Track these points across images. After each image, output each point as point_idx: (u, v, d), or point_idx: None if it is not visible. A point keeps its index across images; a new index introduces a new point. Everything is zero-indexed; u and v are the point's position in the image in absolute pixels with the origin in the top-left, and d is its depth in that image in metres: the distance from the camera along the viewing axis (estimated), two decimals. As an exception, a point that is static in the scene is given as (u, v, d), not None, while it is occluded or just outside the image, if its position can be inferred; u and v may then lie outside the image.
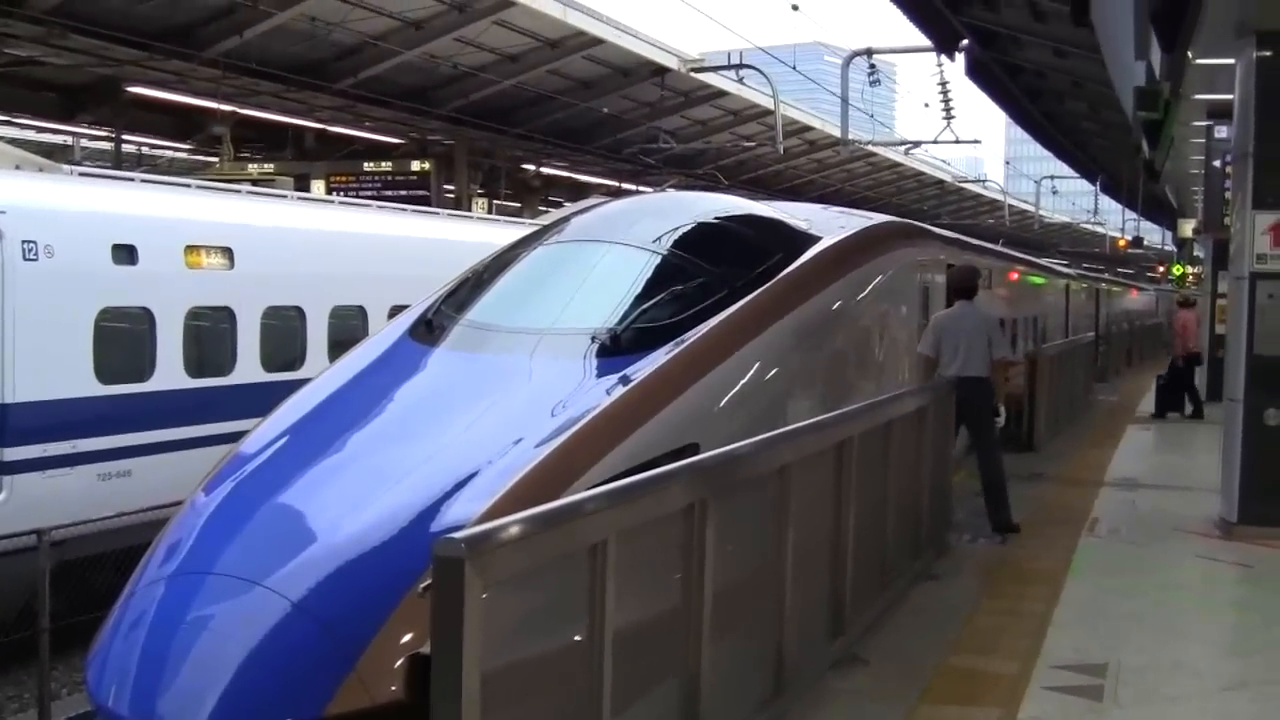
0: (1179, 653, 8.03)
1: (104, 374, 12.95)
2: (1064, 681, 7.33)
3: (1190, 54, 13.33)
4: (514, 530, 4.05)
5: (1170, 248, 70.01)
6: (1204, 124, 20.82)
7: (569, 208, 13.32)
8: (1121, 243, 63.32)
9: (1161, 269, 70.87)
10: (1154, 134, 19.96)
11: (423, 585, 5.53)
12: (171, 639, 5.95)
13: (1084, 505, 13.19)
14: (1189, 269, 59.94)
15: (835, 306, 10.19)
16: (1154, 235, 74.94)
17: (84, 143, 35.78)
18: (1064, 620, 8.70)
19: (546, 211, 34.77)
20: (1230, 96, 12.62)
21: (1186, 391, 22.37)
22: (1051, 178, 64.24)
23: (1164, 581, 10.15)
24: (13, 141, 21.87)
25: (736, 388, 8.38)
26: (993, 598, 9.42)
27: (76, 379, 12.66)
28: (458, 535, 3.76)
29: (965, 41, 20.83)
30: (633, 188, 39.73)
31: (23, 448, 12.07)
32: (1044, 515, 12.59)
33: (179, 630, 5.99)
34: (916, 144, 43.56)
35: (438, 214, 23.01)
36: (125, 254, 13.24)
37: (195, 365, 14.11)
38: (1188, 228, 42.48)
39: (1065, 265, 44.07)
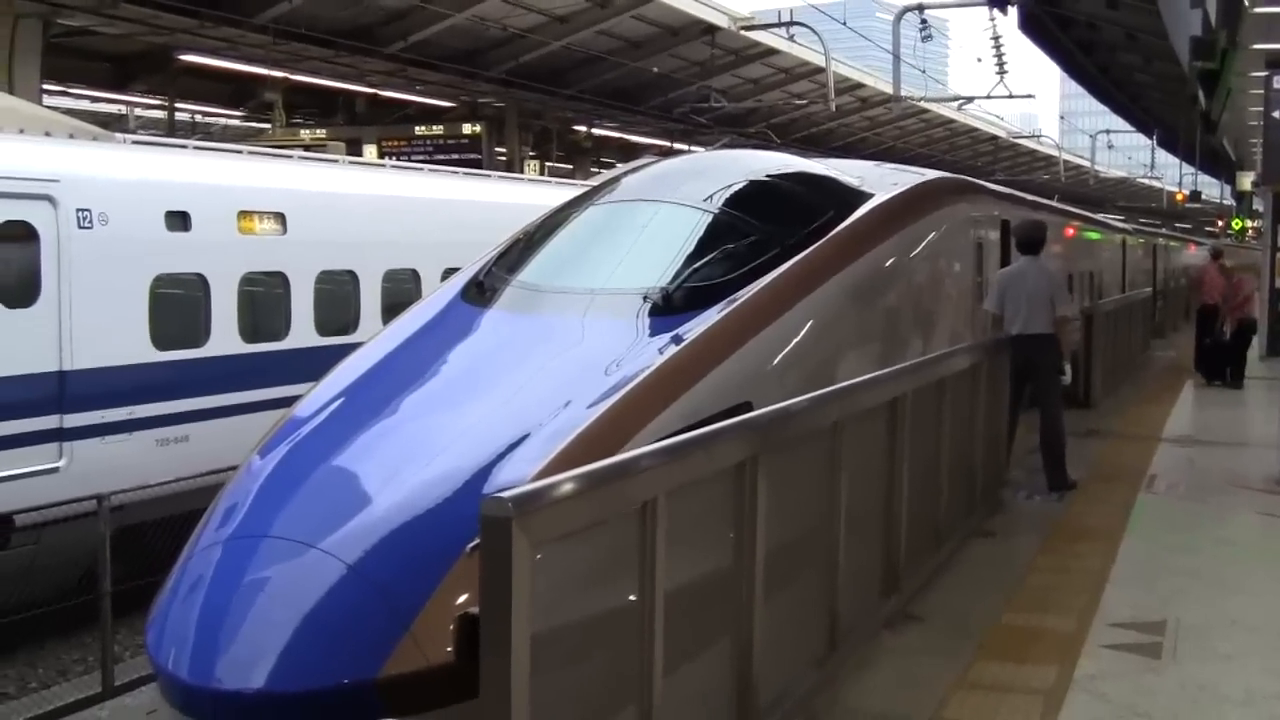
0: (1237, 610, 7.96)
1: (160, 340, 13.05)
2: (1122, 639, 7.30)
3: (1247, 2, 13.12)
4: (562, 489, 4.04)
5: (1229, 201, 69.22)
6: (1262, 74, 20.51)
7: (620, 168, 13.29)
8: (1179, 196, 62.65)
9: (1220, 223, 70.10)
10: (1211, 84, 19.74)
11: (472, 545, 5.54)
12: (228, 602, 5.99)
13: (1141, 462, 13.09)
14: (1249, 222, 59.26)
15: (888, 264, 10.12)
16: (1212, 189, 74.10)
17: (138, 111, 36.04)
18: (1121, 577, 8.64)
19: (598, 173, 34.73)
20: (1289, 45, 12.41)
21: (1235, 361, 20.68)
22: (1107, 132, 63.68)
23: (1222, 538, 10.06)
24: (67, 111, 22.06)
25: (789, 346, 8.34)
26: (1049, 555, 9.37)
27: (133, 346, 12.76)
28: (505, 494, 3.75)
29: (1018, -6, 20.62)
30: (684, 147, 39.65)
31: (82, 414, 12.19)
32: (1101, 472, 12.51)
33: (236, 593, 6.03)
34: (970, 99, 43.24)
35: (489, 176, 23.01)
36: (179, 221, 13.32)
37: (250, 330, 14.19)
38: (1247, 180, 41.95)
39: (1121, 220, 43.68)
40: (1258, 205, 44.09)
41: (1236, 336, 20.73)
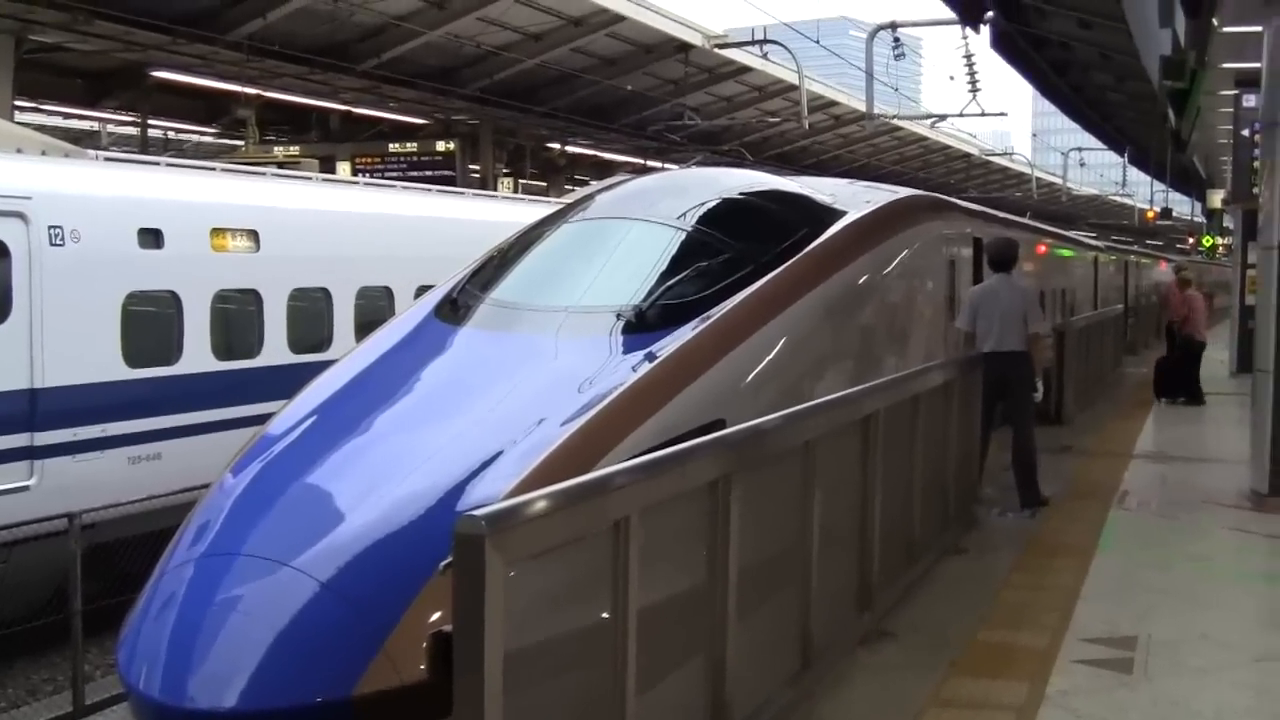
0: (1209, 625, 7.99)
1: (132, 358, 12.99)
2: (1094, 655, 7.32)
3: (1216, 21, 13.24)
4: (535, 507, 4.05)
5: (1200, 219, 69.61)
6: (1232, 93, 20.66)
7: (594, 185, 13.32)
8: (1150, 214, 62.98)
9: (1191, 240, 70.49)
10: (1180, 103, 19.86)
11: (444, 564, 5.53)
12: (201, 620, 5.97)
13: (1113, 478, 13.14)
14: (1219, 240, 59.60)
15: (861, 281, 10.16)
16: (1183, 206, 74.48)
17: (110, 128, 35.93)
18: (1093, 593, 8.67)
19: (572, 190, 34.74)
20: (1258, 64, 12.51)
21: (1189, 379, 20.49)
22: (1079, 150, 64.02)
23: (1194, 554, 10.11)
24: (39, 128, 21.99)
25: (762, 364, 8.36)
26: (1021, 571, 9.39)
27: (105, 363, 12.71)
28: (478, 513, 3.76)
29: (990, 14, 20.72)
30: (658, 165, 39.70)
31: (53, 432, 12.12)
32: (1073, 489, 12.55)
33: (208, 611, 6.01)
34: (942, 117, 43.43)
35: (463, 194, 23.00)
36: (151, 238, 13.28)
37: (223, 348, 14.14)
38: (1217, 198, 42.24)
39: (1093, 237, 43.85)
40: (1228, 223, 44.33)
41: (1184, 354, 20.77)
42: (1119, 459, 14.52)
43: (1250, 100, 19.72)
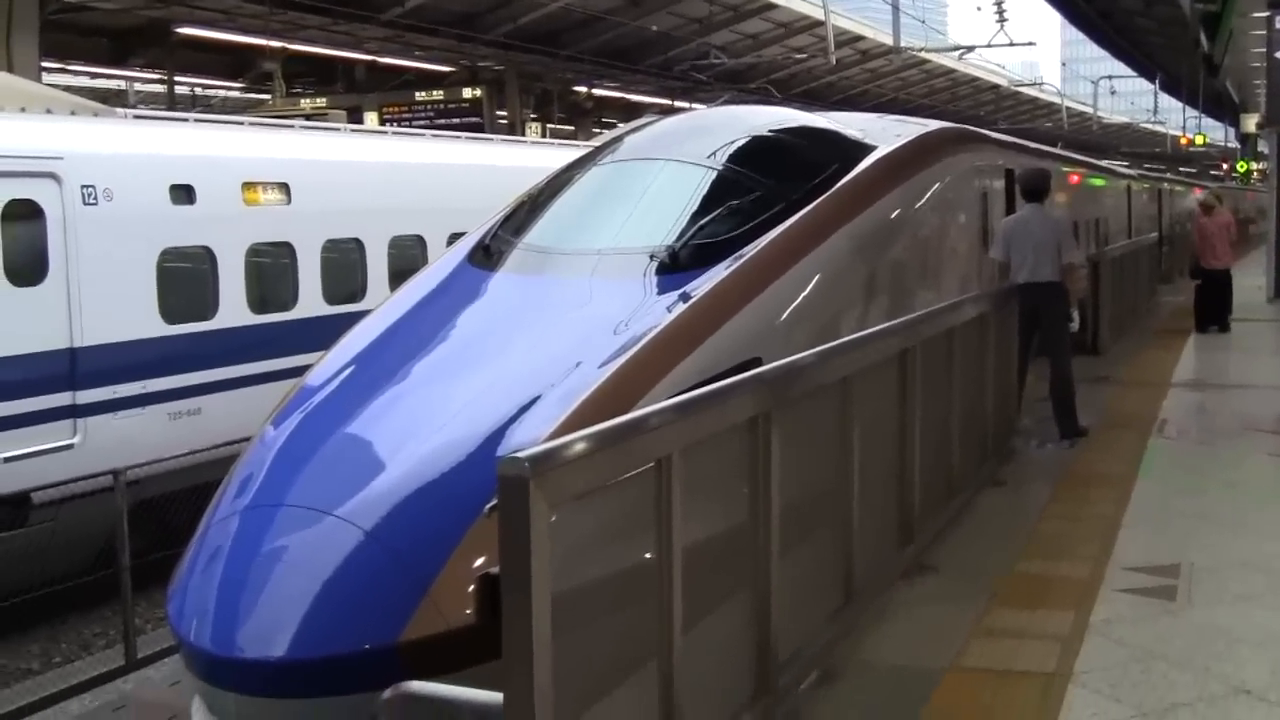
0: (1250, 552, 7.98)
1: (169, 314, 13.08)
2: (1136, 584, 7.32)
3: (1248, -57, 13.06)
4: (578, 447, 4.06)
5: (1234, 144, 68.96)
6: (1264, 14, 20.41)
7: (622, 127, 13.28)
8: (1183, 140, 62.45)
9: (1225, 166, 69.89)
10: (1212, 26, 19.64)
11: (490, 506, 5.57)
12: (247, 571, 6.03)
13: (1151, 407, 13.09)
14: (1254, 165, 59.07)
15: (894, 215, 10.11)
16: (1216, 132, 73.81)
17: (137, 86, 35.98)
18: (1134, 522, 8.67)
19: (600, 133, 34.64)
20: (1291, -15, 12.35)
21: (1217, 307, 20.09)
22: (1109, 78, 63.44)
23: (1233, 480, 10.08)
24: (67, 88, 22.02)
25: (797, 301, 8.34)
26: (1061, 502, 9.39)
27: (142, 320, 12.79)
28: (521, 454, 3.77)
29: (1017, -59, 20.47)
30: (685, 105, 39.51)
31: (94, 390, 12.22)
32: (1111, 418, 12.52)
33: (254, 562, 6.07)
34: (970, 49, 43.03)
35: (492, 140, 22.97)
36: (183, 194, 13.33)
37: (258, 302, 14.21)
38: (1251, 122, 41.83)
39: (1126, 166, 43.50)
40: (1263, 147, 43.92)
41: (1205, 283, 20.38)
42: (1156, 388, 14.46)
43: (1283, 21, 19.50)
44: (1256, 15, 20.67)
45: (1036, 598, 7.20)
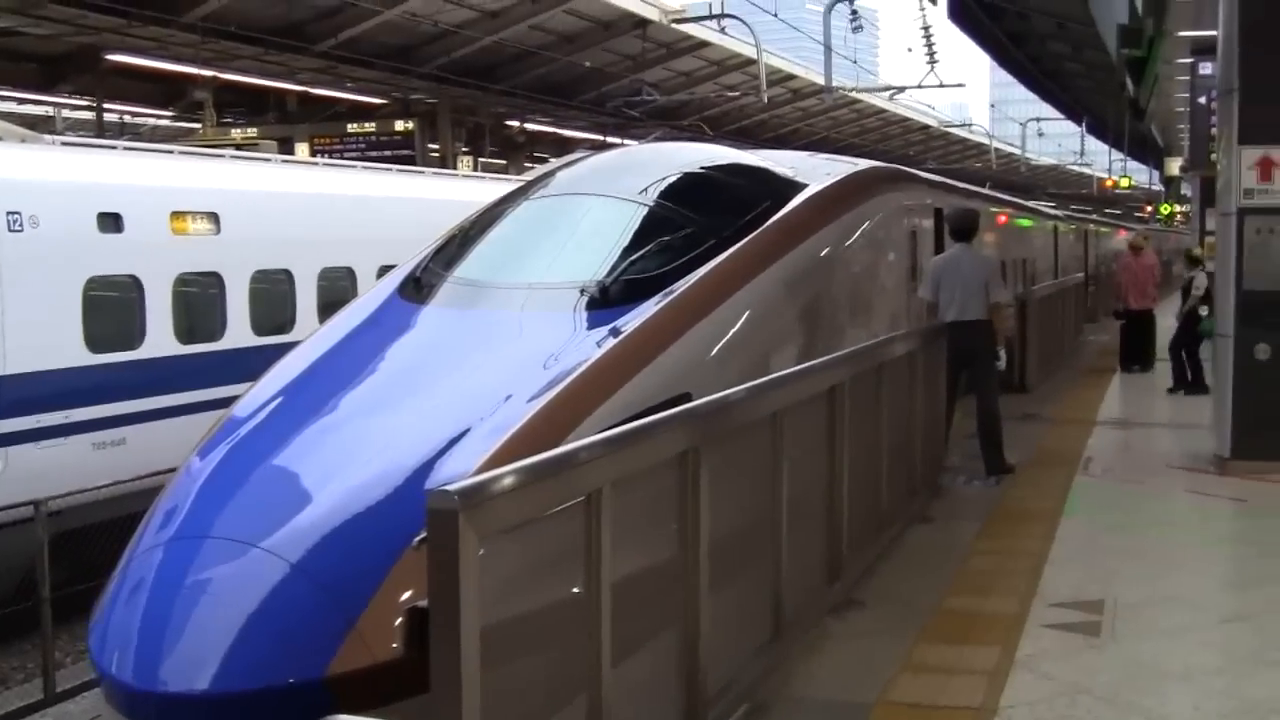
0: (1176, 588, 8.07)
1: (94, 343, 12.93)
2: (1062, 619, 7.38)
3: (1173, -11, 13.30)
4: (508, 480, 4.05)
5: (1157, 187, 69.99)
6: (1188, 60, 20.79)
7: (554, 162, 13.31)
8: (1108, 183, 63.30)
9: (1149, 208, 70.91)
10: (1138, 71, 19.97)
11: (418, 539, 5.54)
12: (171, 604, 5.95)
13: (1077, 445, 13.24)
14: (1177, 207, 59.99)
15: (824, 253, 10.18)
16: (1140, 175, 74.90)
17: (65, 112, 35.61)
18: (1060, 558, 8.74)
19: (532, 168, 34.65)
20: (1214, 32, 12.59)
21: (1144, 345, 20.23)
22: (1037, 120, 64.24)
23: (1159, 518, 10.20)
24: (-7, 113, 21.78)
25: (727, 336, 8.38)
26: (988, 538, 9.45)
27: (67, 349, 12.64)
28: (451, 487, 3.75)
29: (947, -16, 20.76)
30: (617, 141, 39.62)
31: (16, 419, 12.05)
32: (1038, 456, 12.64)
33: (178, 595, 6.00)
34: (901, 89, 43.55)
35: (423, 173, 22.94)
36: (111, 222, 13.20)
37: (185, 331, 14.08)
38: (1174, 166, 42.54)
39: (1053, 207, 44.02)
40: (1185, 190, 44.61)
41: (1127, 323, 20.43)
42: (1082, 426, 14.63)
43: (1207, 68, 19.87)
44: (1181, 61, 21.04)
45: (964, 633, 7.24)
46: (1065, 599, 7.76)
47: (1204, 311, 17.25)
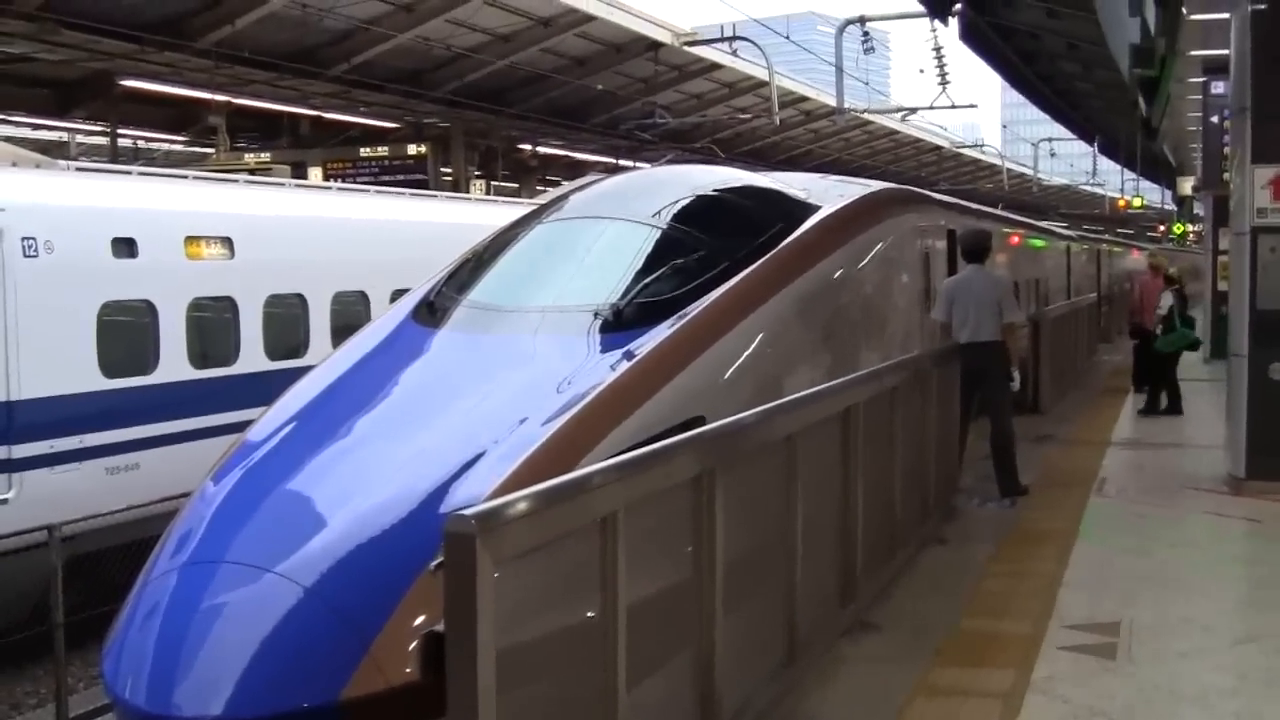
0: (1191, 609, 8.04)
1: (108, 368, 12.96)
2: (1077, 641, 7.36)
3: (1185, 9, 13.30)
4: (524, 505, 4.06)
5: (1170, 206, 69.92)
6: (1200, 80, 20.79)
7: (567, 186, 13.33)
8: (1121, 203, 63.23)
9: (1162, 228, 70.83)
10: (1151, 91, 19.94)
11: (435, 564, 5.54)
12: (185, 628, 5.96)
13: (1091, 466, 13.21)
14: (1189, 227, 59.92)
15: (837, 275, 10.19)
16: (1153, 194, 74.80)
17: (79, 138, 35.75)
18: (1075, 580, 8.71)
19: (544, 191, 34.72)
20: (1226, 51, 12.61)
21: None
22: (1049, 140, 64.15)
23: (1173, 539, 10.17)
24: (8, 139, 21.89)
25: (741, 359, 8.38)
26: (1002, 560, 9.43)
27: (81, 374, 12.67)
28: (468, 511, 3.77)
29: (958, 5, 20.77)
30: (630, 164, 39.68)
31: (30, 444, 12.08)
32: (1052, 477, 12.61)
33: (192, 619, 6.00)
34: (913, 110, 43.44)
35: (436, 197, 22.99)
36: (125, 247, 13.25)
37: (199, 356, 14.12)
38: (1187, 185, 42.49)
39: (1065, 227, 43.97)
40: (1198, 209, 44.55)
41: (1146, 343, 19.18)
42: (1096, 447, 14.59)
43: (1219, 87, 19.86)
44: (1193, 80, 21.04)
45: (978, 655, 7.22)
46: (1080, 621, 7.74)
47: (1158, 330, 17.53)
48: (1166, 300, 17.62)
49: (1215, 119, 20.83)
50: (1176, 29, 14.66)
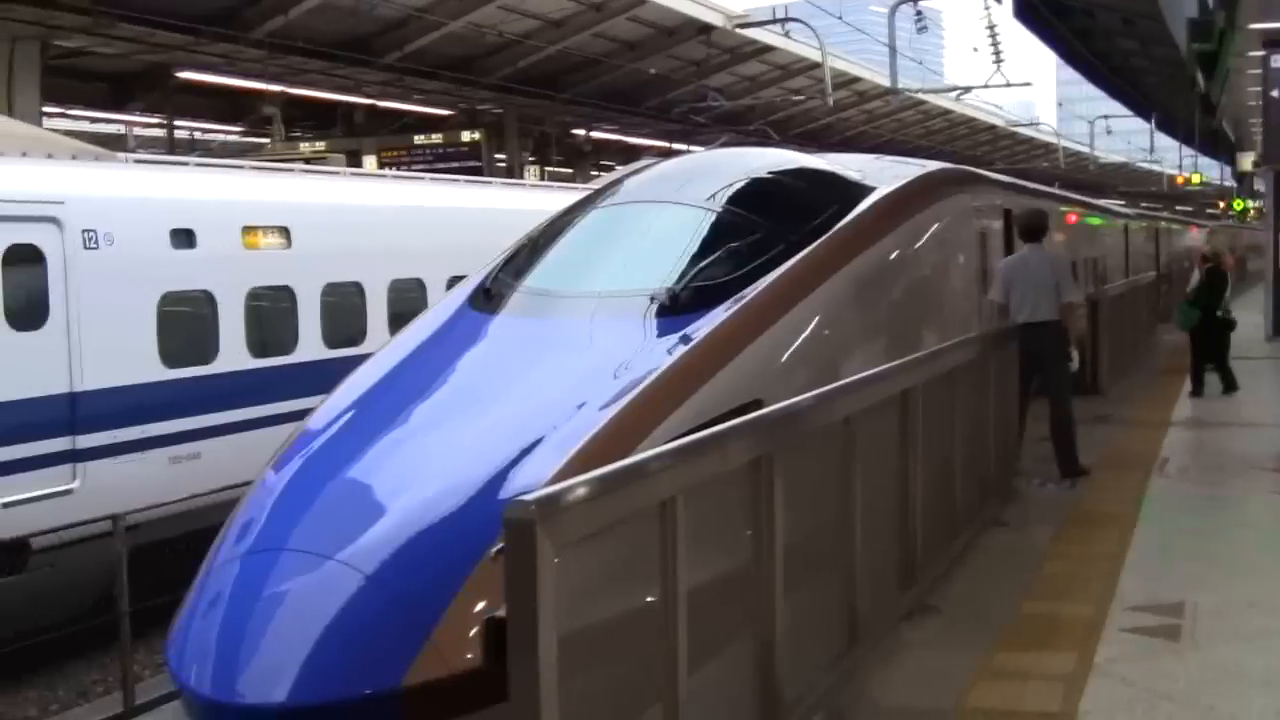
0: (1254, 591, 7.96)
1: (169, 358, 13.06)
2: (1140, 623, 7.30)
3: (1243, -17, 13.14)
4: (583, 491, 4.06)
5: (1230, 183, 69.16)
6: (1260, 53, 20.52)
7: (621, 170, 13.34)
8: (1180, 179, 62.64)
9: (1222, 204, 70.08)
10: (1209, 66, 19.74)
11: (495, 550, 5.57)
12: (248, 616, 6.01)
13: (1152, 446, 13.09)
14: (1250, 203, 59.26)
15: (893, 256, 10.13)
16: (1212, 170, 74.02)
17: (136, 130, 36.09)
18: (1137, 562, 8.64)
19: (598, 176, 34.74)
20: (1287, 24, 12.42)
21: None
22: (1105, 118, 63.66)
23: (1236, 520, 10.08)
24: (67, 132, 22.11)
25: (797, 342, 8.35)
26: (1063, 542, 9.37)
27: (143, 364, 12.78)
28: (528, 498, 3.78)
29: (1012, -17, 20.61)
30: (683, 148, 39.64)
31: (94, 434, 12.20)
32: (1112, 458, 12.51)
33: (255, 607, 6.05)
34: (967, 89, 43.25)
35: (490, 183, 23.02)
36: (184, 238, 13.34)
37: (258, 346, 14.20)
38: (1247, 161, 41.96)
39: (1123, 205, 43.59)
40: (1259, 185, 44.04)
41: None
42: (1157, 427, 14.46)
43: (1279, 61, 19.60)
44: (1253, 54, 20.78)
45: (1041, 638, 7.18)
46: (1143, 603, 7.67)
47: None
48: (1194, 279, 17.41)
49: (1275, 93, 20.56)
50: (1235, 2, 14.49)
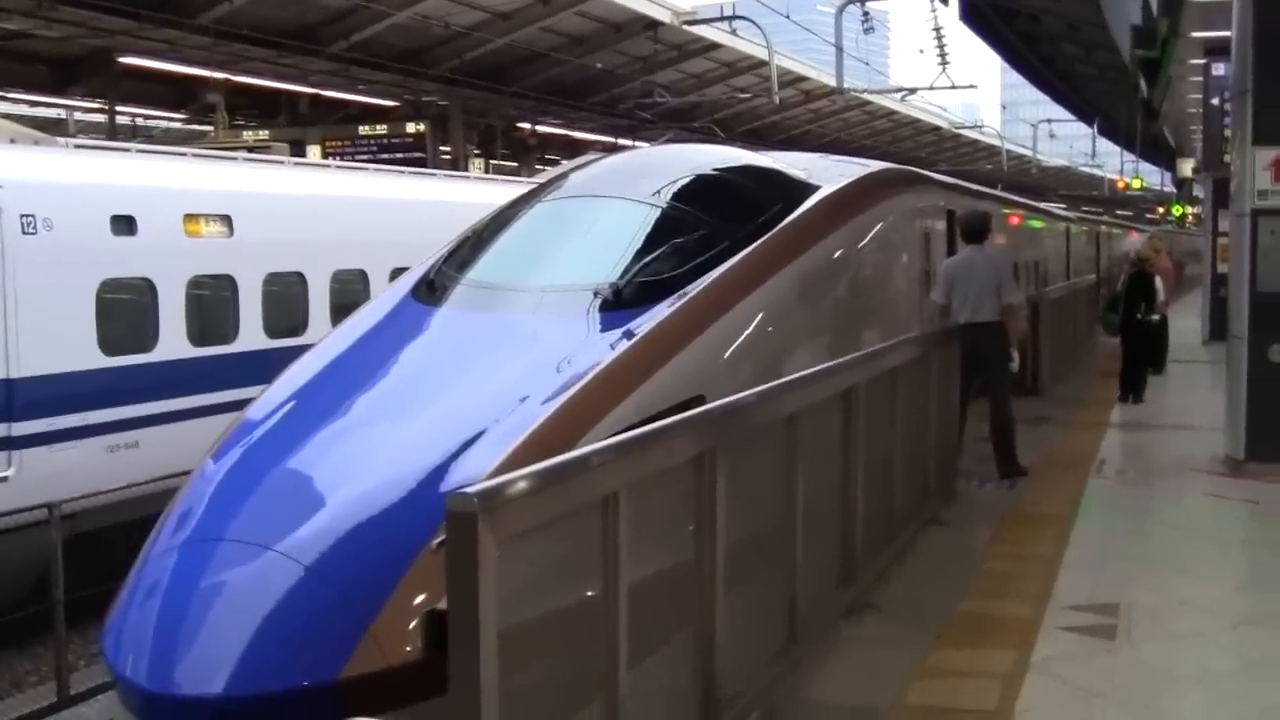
0: (1189, 591, 8.06)
1: (107, 346, 12.94)
2: (1077, 622, 7.36)
3: (1186, -9, 13.28)
4: (525, 484, 4.05)
5: (1169, 188, 69.88)
6: (1201, 62, 20.75)
7: (566, 164, 13.32)
8: (1120, 185, 63.22)
9: (1161, 210, 70.79)
10: (1152, 73, 19.93)
11: (436, 542, 5.55)
12: (186, 606, 5.96)
13: (1090, 447, 13.21)
14: (1189, 209, 59.92)
15: (837, 255, 10.17)
16: (1152, 176, 74.75)
17: (78, 115, 35.71)
18: (1074, 562, 8.72)
19: (543, 170, 34.68)
20: (1228, 33, 12.57)
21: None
22: (1049, 121, 64.13)
23: (1173, 520, 10.19)
24: (6, 116, 21.84)
25: (741, 339, 8.37)
26: (1002, 542, 9.43)
27: (80, 352, 12.65)
28: (470, 490, 3.76)
29: (959, -14, 20.74)
30: (629, 143, 39.62)
31: (30, 422, 12.07)
32: (1051, 458, 12.61)
33: (193, 597, 6.00)
34: (912, 91, 43.43)
35: (435, 175, 22.94)
36: (124, 225, 13.21)
37: (198, 334, 14.09)
38: (1187, 167, 42.46)
39: (1064, 208, 43.93)
40: (1198, 191, 44.53)
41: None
42: (1095, 428, 14.60)
43: (1220, 69, 19.82)
44: (1194, 62, 21.01)
45: (978, 636, 7.22)
46: (1080, 602, 7.74)
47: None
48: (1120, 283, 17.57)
49: (1216, 101, 20.78)
50: (1178, 10, 14.64)
